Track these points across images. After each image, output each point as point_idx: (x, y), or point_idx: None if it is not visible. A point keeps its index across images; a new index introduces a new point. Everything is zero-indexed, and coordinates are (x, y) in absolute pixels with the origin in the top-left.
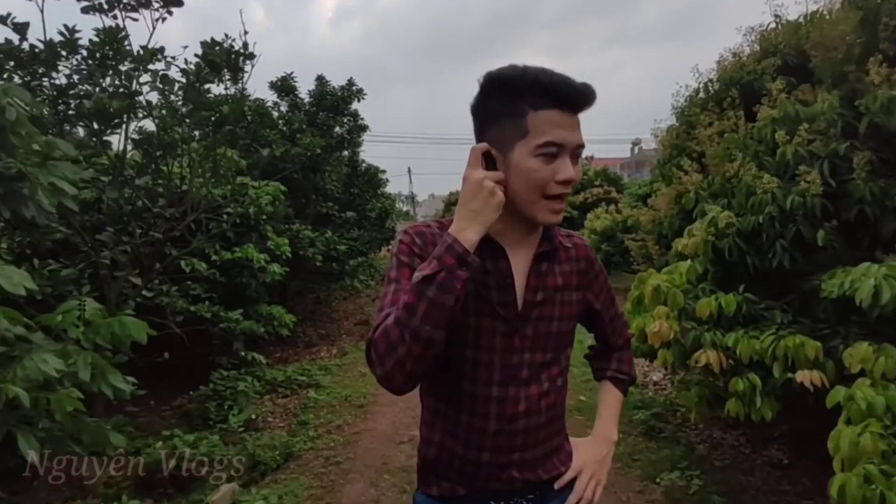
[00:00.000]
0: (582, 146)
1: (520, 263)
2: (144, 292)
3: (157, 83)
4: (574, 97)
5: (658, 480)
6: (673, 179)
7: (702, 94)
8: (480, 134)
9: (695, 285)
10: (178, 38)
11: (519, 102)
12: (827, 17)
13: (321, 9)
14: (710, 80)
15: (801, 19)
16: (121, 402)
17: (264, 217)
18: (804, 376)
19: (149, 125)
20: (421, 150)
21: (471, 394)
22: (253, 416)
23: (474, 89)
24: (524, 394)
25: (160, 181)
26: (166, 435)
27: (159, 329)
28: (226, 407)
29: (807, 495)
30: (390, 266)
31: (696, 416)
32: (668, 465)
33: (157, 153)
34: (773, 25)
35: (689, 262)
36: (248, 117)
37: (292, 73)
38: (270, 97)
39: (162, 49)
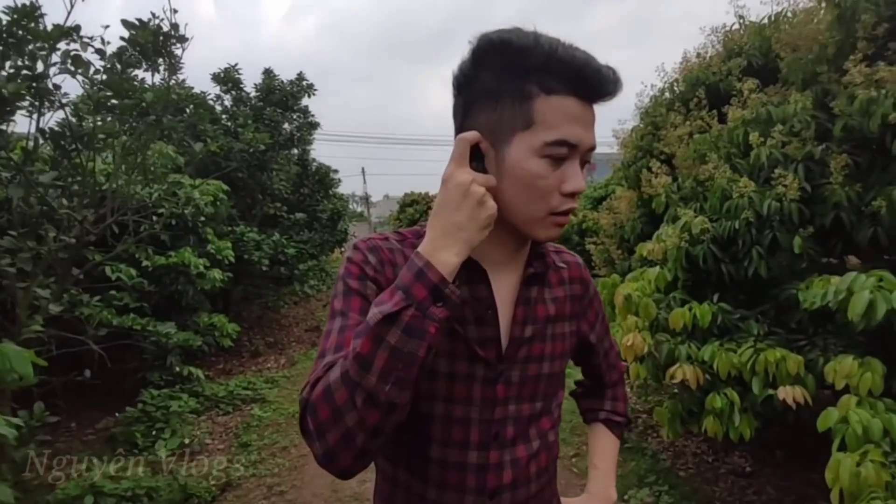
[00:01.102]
0: (594, 148)
1: (504, 289)
2: (52, 307)
3: (69, 65)
4: (599, 84)
5: (626, 498)
6: (642, 181)
7: (667, 95)
8: (465, 117)
9: (664, 293)
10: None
11: (525, 81)
12: (791, 18)
13: (274, 4)
14: (676, 81)
15: (765, 20)
16: (31, 428)
17: (203, 218)
18: (786, 393)
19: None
20: (376, 150)
21: (441, 461)
22: (187, 441)
23: (429, 89)
24: (510, 458)
25: (77, 178)
26: (81, 469)
27: (78, 345)
28: (155, 431)
29: None
30: (335, 293)
31: (669, 433)
32: (635, 479)
33: (72, 147)
34: (735, 26)
35: (657, 268)
36: (187, 110)
37: (236, 64)
38: (213, 90)
39: (77, 28)
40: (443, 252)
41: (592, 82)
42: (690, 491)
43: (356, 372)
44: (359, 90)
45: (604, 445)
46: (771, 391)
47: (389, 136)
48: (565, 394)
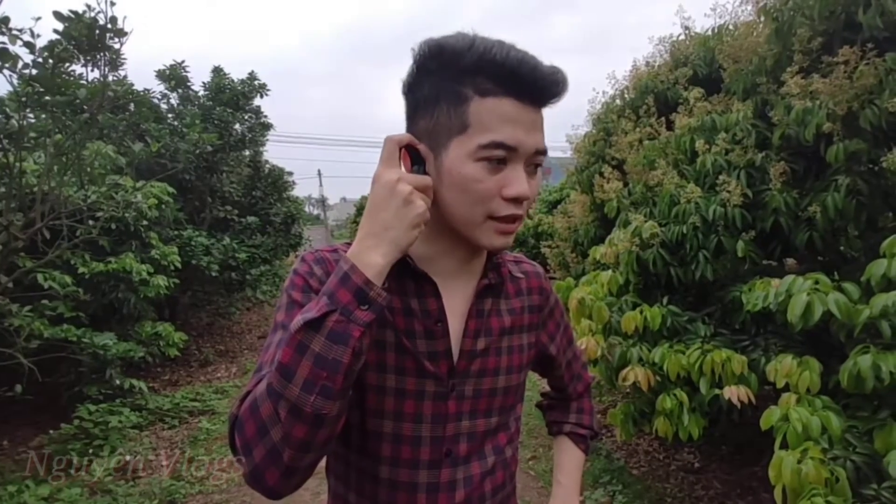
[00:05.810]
0: (542, 152)
1: (455, 301)
2: None
3: None
4: (538, 84)
5: (582, 500)
6: (595, 186)
7: (618, 102)
8: (411, 123)
9: (616, 296)
10: None
11: (460, 84)
12: (733, 31)
13: (232, 4)
14: (626, 88)
15: (709, 32)
16: None
17: (146, 222)
18: (731, 392)
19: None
20: (334, 152)
21: (391, 482)
22: (128, 458)
23: (388, 91)
24: (463, 476)
25: (4, 180)
26: (13, 490)
27: (8, 358)
28: (92, 448)
29: (719, 500)
30: (278, 306)
31: (622, 434)
32: (590, 480)
33: None
34: (682, 37)
35: (609, 272)
36: (129, 108)
37: (183, 61)
38: (159, 88)
39: (6, 19)
40: (369, 253)
41: (529, 82)
42: (643, 489)
43: (279, 383)
44: (319, 92)
45: (568, 460)
46: (717, 391)
47: (347, 137)
48: (524, 406)
